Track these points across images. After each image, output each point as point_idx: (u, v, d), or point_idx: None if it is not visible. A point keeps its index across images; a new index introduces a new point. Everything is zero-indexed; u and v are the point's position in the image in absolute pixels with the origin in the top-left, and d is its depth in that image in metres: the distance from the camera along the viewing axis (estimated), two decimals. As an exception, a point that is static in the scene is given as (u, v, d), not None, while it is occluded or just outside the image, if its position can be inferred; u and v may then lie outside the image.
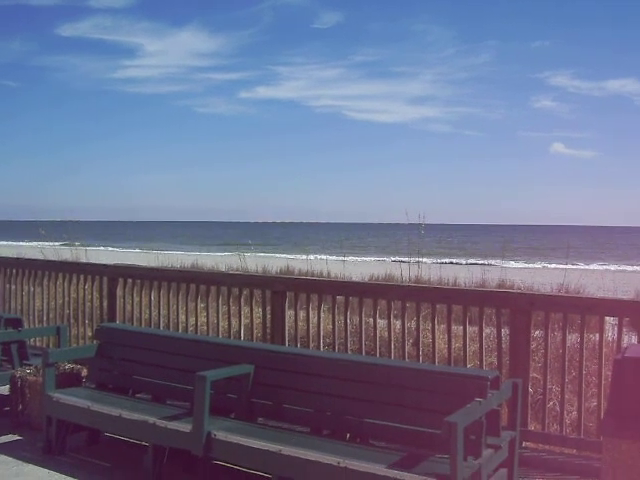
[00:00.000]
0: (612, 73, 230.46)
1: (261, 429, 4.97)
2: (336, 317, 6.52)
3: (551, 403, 6.57)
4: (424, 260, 13.34)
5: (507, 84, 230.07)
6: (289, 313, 6.96)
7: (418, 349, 6.11)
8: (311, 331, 6.71)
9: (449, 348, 5.97)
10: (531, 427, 5.77)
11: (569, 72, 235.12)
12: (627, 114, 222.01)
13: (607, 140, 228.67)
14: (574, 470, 5.24)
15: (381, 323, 6.52)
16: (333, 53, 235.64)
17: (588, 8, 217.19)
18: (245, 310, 7.15)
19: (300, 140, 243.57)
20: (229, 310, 7.24)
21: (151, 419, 5.04)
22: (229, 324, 7.27)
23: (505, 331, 5.92)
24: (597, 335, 5.60)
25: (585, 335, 5.64)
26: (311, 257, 20.58)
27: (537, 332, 7.09)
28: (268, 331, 6.90)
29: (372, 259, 45.90)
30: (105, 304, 8.22)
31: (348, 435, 4.90)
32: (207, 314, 7.46)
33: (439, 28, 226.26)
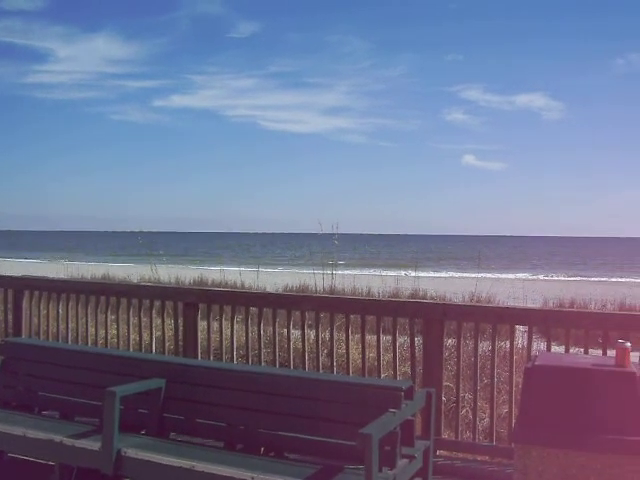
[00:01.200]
0: (521, 88, 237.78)
1: (173, 445, 4.83)
2: (249, 328, 6.43)
3: (464, 411, 6.64)
4: (338, 271, 13.35)
5: (421, 96, 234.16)
6: (202, 325, 6.83)
7: (332, 360, 6.08)
8: (224, 343, 6.61)
9: (363, 358, 5.97)
10: (445, 435, 5.81)
11: (480, 86, 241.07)
12: (535, 128, 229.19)
13: (516, 153, 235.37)
14: (487, 477, 5.29)
15: (295, 334, 6.48)
16: (249, 63, 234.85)
17: (499, 24, 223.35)
18: (157, 322, 7.00)
19: (215, 150, 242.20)
20: (140, 322, 7.06)
21: (57, 437, 4.83)
22: (140, 337, 7.08)
23: (419, 340, 5.95)
24: (508, 343, 5.68)
25: (497, 343, 5.72)
26: (225, 268, 20.42)
27: (450, 341, 7.17)
28: (180, 344, 6.75)
29: (286, 270, 45.87)
30: (10, 317, 7.90)
31: (262, 449, 4.82)
32: (117, 327, 7.27)
33: (355, 39, 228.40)
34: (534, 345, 5.80)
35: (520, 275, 46.70)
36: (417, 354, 5.93)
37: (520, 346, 7.63)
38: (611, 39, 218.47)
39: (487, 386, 5.82)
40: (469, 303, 11.96)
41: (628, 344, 3.78)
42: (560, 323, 5.48)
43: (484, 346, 6.97)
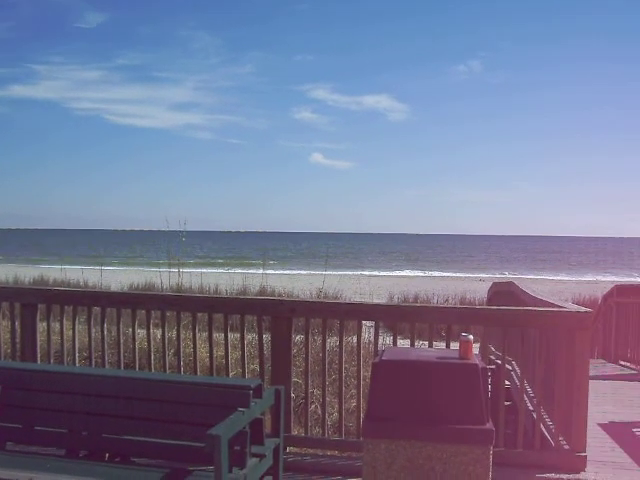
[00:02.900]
0: (368, 89, 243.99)
1: (10, 456, 4.54)
2: (92, 329, 6.18)
3: (313, 406, 6.70)
4: (186, 268, 13.14)
5: (270, 95, 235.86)
6: (42, 327, 6.49)
7: (179, 359, 5.94)
8: (66, 345, 6.31)
9: (211, 357, 5.87)
10: (295, 432, 5.82)
11: (329, 86, 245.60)
12: (381, 128, 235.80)
13: (362, 152, 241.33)
14: (337, 471, 5.31)
15: (141, 333, 6.29)
16: (96, 54, 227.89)
17: (348, 26, 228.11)
18: (-9, 325, 6.59)
19: (59, 143, 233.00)
20: (-28, 326, 6.64)
21: None
22: (-28, 342, 6.66)
23: (267, 338, 5.92)
24: (355, 338, 5.75)
25: (344, 339, 5.78)
26: (67, 267, 19.68)
27: (298, 337, 7.19)
28: (18, 347, 6.40)
29: (132, 268, 44.82)
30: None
31: (107, 455, 4.63)
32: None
33: (205, 35, 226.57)
34: (381, 340, 5.91)
35: (365, 273, 47.83)
36: (266, 351, 5.90)
37: (367, 341, 7.79)
38: (454, 46, 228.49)
39: (335, 381, 5.88)
40: (317, 299, 12.05)
41: (470, 337, 3.90)
42: (405, 318, 5.60)
43: (332, 342, 7.05)
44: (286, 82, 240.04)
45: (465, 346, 3.87)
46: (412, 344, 5.45)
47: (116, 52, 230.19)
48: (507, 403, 6.37)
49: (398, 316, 5.63)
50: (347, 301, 11.02)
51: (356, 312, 5.65)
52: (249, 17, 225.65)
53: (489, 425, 3.72)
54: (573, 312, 5.39)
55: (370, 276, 41.65)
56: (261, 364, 5.82)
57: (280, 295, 16.95)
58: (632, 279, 43.51)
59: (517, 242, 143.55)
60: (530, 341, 5.87)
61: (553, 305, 6.03)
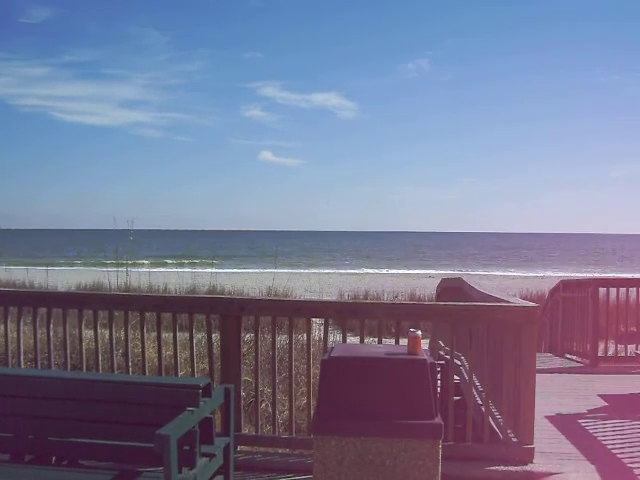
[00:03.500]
0: (317, 87, 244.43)
1: (-50, 463, 4.45)
2: (38, 330, 6.07)
3: (264, 405, 6.67)
4: (134, 268, 13.01)
5: (219, 92, 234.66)
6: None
7: (127, 359, 5.86)
8: (10, 347, 6.19)
9: (159, 357, 5.81)
10: (245, 430, 5.79)
11: (278, 84, 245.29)
12: (330, 126, 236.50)
13: (312, 149, 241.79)
14: (288, 469, 5.31)
15: (88, 334, 6.19)
16: (41, 50, 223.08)
17: (298, 23, 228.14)
18: None
19: (2, 140, 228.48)
20: None
21: None
22: None
23: (217, 336, 5.88)
24: (306, 335, 5.75)
25: (294, 336, 5.77)
26: (11, 267, 19.33)
27: (248, 336, 7.17)
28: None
29: (80, 268, 44.19)
30: None
31: (54, 458, 4.55)
32: None
33: (154, 32, 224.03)
34: (331, 337, 5.92)
35: (314, 270, 47.81)
36: (215, 350, 5.86)
37: (318, 338, 7.80)
38: (402, 45, 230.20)
39: (286, 379, 5.86)
40: (266, 297, 12.04)
41: (419, 332, 3.92)
42: (355, 314, 5.62)
43: (282, 340, 7.04)
44: (236, 80, 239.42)
45: (413, 342, 3.89)
46: (362, 340, 5.47)
47: (63, 48, 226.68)
48: (457, 398, 6.43)
49: (348, 313, 5.64)
50: (296, 299, 11.00)
51: (305, 309, 5.65)
52: (198, 14, 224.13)
53: (438, 419, 3.74)
54: (520, 307, 5.47)
55: (320, 274, 41.72)
56: (210, 363, 5.78)
57: (230, 294, 16.88)
58: (579, 274, 44.30)
59: (467, 238, 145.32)
60: (478, 336, 5.94)
61: (500, 300, 6.09)
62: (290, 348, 5.62)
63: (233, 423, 4.64)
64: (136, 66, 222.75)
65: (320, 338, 6.20)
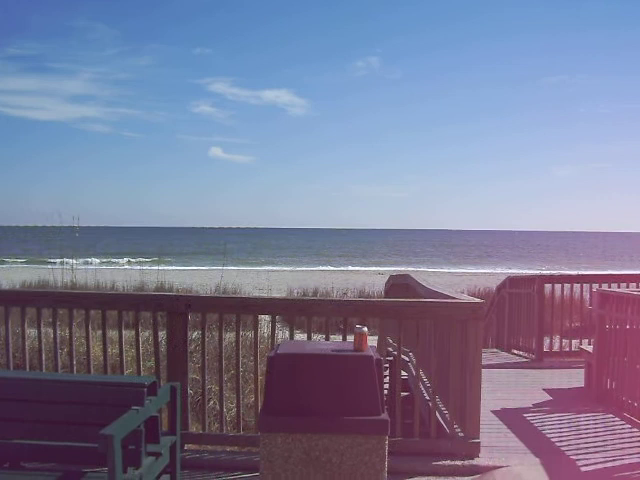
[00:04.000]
0: (267, 84, 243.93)
1: None
2: (-21, 330, 5.94)
3: (212, 403, 6.63)
4: (81, 265, 12.82)
5: (168, 88, 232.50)
6: None
7: (72, 358, 5.76)
8: (-50, 347, 6.06)
9: (105, 355, 5.72)
10: (193, 429, 5.75)
11: (228, 80, 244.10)
12: (281, 122, 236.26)
13: (262, 146, 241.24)
14: (236, 467, 5.28)
15: (31, 333, 6.07)
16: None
17: (248, 19, 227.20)
18: None
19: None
20: None
21: None
22: None
23: (163, 334, 5.82)
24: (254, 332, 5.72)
25: (244, 334, 5.75)
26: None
27: (197, 333, 7.11)
28: None
29: (24, 265, 43.42)
30: None
31: (-5, 460, 4.45)
32: None
33: (102, 26, 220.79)
34: (280, 334, 5.90)
35: (267, 267, 47.77)
36: (162, 348, 5.80)
37: (267, 335, 7.77)
38: (352, 44, 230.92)
39: (234, 376, 5.82)
40: (213, 294, 11.97)
41: (365, 329, 3.93)
42: (302, 311, 5.61)
43: (231, 337, 7.00)
44: (185, 75, 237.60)
45: (359, 338, 3.90)
46: (309, 337, 5.47)
47: (7, 41, 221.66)
48: (405, 394, 6.49)
49: (294, 310, 5.64)
50: (243, 295, 10.97)
51: (252, 306, 5.62)
52: (147, 8, 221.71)
53: (384, 415, 3.76)
54: (466, 303, 5.53)
55: (270, 271, 41.64)
56: (157, 361, 5.71)
57: (178, 291, 16.75)
58: (527, 271, 44.97)
59: (416, 236, 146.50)
60: (425, 332, 5.99)
61: (447, 297, 6.15)
62: (237, 345, 5.59)
63: (180, 421, 4.60)
64: (83, 60, 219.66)
65: (269, 335, 6.16)
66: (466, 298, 5.96)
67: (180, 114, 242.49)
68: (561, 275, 12.86)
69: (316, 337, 5.74)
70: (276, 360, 3.84)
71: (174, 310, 5.53)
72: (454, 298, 5.94)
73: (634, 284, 10.15)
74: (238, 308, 5.60)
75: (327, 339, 5.43)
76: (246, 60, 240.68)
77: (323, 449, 3.74)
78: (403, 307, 5.66)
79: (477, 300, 5.62)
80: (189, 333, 5.66)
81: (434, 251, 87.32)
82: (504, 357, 10.64)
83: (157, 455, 4.19)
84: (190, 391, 5.80)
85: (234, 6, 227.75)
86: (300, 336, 6.02)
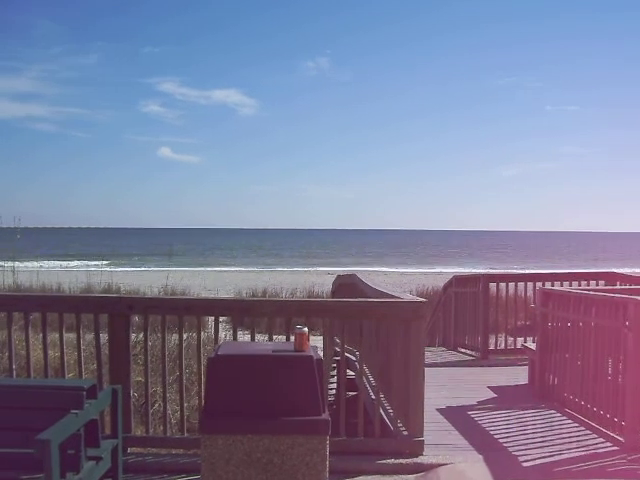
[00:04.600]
0: (217, 84, 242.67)
1: None
2: None
3: (157, 405, 6.57)
4: (23, 267, 12.61)
5: (116, 87, 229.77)
6: None
7: (11, 362, 5.65)
8: None
9: (45, 358, 5.62)
10: (137, 432, 5.69)
11: (177, 79, 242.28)
12: (230, 123, 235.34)
13: (212, 146, 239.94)
14: (180, 469, 5.25)
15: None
16: None
17: (198, 17, 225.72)
18: None
19: None
20: None
21: None
22: None
23: (105, 337, 5.74)
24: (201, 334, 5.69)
25: (190, 335, 5.71)
26: None
27: (141, 335, 7.03)
28: None
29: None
30: None
31: None
32: None
33: (48, 23, 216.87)
34: (226, 335, 5.86)
35: (217, 268, 47.53)
36: (105, 351, 5.73)
37: (214, 337, 7.73)
38: (302, 44, 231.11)
39: (178, 378, 5.78)
40: (155, 295, 11.87)
41: (305, 329, 3.93)
42: (245, 312, 5.61)
43: (176, 338, 6.94)
44: (133, 74, 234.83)
45: (300, 338, 3.90)
46: (252, 338, 5.47)
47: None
48: (353, 393, 6.50)
49: (237, 311, 5.63)
50: (187, 297, 10.91)
51: (195, 308, 5.61)
52: (95, 5, 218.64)
53: (325, 415, 3.77)
54: (408, 302, 5.58)
55: (221, 271, 41.47)
56: (99, 364, 5.64)
57: (126, 292, 16.57)
58: (475, 269, 45.45)
59: (367, 235, 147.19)
60: (369, 332, 6.02)
61: (390, 296, 6.19)
62: (180, 347, 5.56)
63: (121, 424, 4.55)
64: (28, 58, 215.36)
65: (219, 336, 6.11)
66: (408, 297, 6.01)
67: (128, 114, 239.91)
68: (506, 274, 13.06)
69: (260, 337, 5.72)
70: (215, 361, 3.83)
71: (116, 312, 5.47)
72: (397, 297, 5.99)
73: (576, 282, 10.36)
74: (181, 309, 5.57)
75: (270, 339, 5.43)
76: (195, 60, 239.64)
77: (264, 450, 3.73)
78: (346, 307, 5.69)
79: (419, 299, 5.68)
80: (133, 335, 5.61)
81: (386, 251, 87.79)
82: (450, 355, 10.76)
83: (98, 459, 4.14)
84: (135, 394, 5.75)
85: (183, 6, 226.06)
86: (248, 337, 5.99)
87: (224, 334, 7.52)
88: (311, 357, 3.82)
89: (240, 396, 3.77)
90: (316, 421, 3.73)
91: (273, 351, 3.94)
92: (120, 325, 5.43)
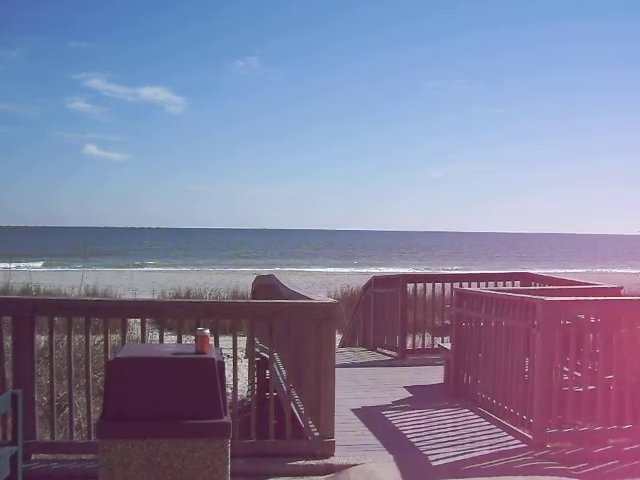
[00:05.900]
0: (145, 81, 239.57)
1: None
2: None
3: (66, 410, 6.42)
4: None
5: (42, 82, 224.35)
6: None
7: None
8: None
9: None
10: (46, 437, 5.55)
11: (105, 76, 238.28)
12: (158, 120, 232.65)
13: (139, 144, 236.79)
14: (85, 475, 5.12)
15: None
16: None
17: (126, 16, 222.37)
18: None
19: None
20: None
21: None
22: None
23: (10, 340, 5.59)
24: (116, 336, 5.60)
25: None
26: None
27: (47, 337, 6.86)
28: None
29: None
30: None
31: None
32: None
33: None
34: (150, 336, 5.75)
35: (141, 268, 46.91)
36: (8, 354, 5.56)
37: (136, 338, 7.61)
38: (231, 42, 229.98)
39: (92, 382, 5.66)
40: (62, 297, 11.63)
41: (207, 331, 3.88)
42: (154, 314, 5.53)
43: (94, 340, 6.81)
44: (60, 69, 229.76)
45: (201, 340, 3.85)
46: (161, 339, 5.40)
47: None
48: (275, 394, 6.46)
49: (147, 312, 5.56)
50: (94, 298, 10.71)
51: (102, 309, 5.50)
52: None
53: (226, 418, 3.73)
54: (319, 303, 5.59)
55: (147, 272, 40.98)
56: (1, 368, 5.46)
57: (47, 292, 16.24)
58: (400, 269, 45.93)
59: (299, 236, 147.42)
60: (282, 333, 6.01)
61: (304, 297, 6.20)
62: (86, 350, 5.42)
63: (22, 430, 4.41)
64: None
65: (139, 338, 5.98)
66: (319, 299, 6.02)
67: (53, 110, 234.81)
68: (424, 274, 13.22)
69: (168, 339, 5.65)
70: (114, 364, 3.75)
71: (20, 314, 5.31)
72: (309, 299, 5.99)
73: (493, 283, 10.54)
74: (87, 311, 5.44)
75: (179, 341, 5.37)
76: (123, 56, 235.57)
77: (164, 454, 3.67)
78: (256, 308, 5.68)
79: (330, 300, 5.70)
80: (38, 337, 5.47)
81: (313, 250, 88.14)
82: (370, 356, 10.81)
83: (-7, 467, 4.02)
84: (45, 398, 5.60)
85: (111, 1, 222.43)
86: (172, 337, 5.91)
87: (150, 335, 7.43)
88: (212, 359, 3.77)
89: (140, 399, 3.70)
90: (217, 424, 3.69)
91: (173, 353, 3.88)
92: (24, 327, 5.27)
